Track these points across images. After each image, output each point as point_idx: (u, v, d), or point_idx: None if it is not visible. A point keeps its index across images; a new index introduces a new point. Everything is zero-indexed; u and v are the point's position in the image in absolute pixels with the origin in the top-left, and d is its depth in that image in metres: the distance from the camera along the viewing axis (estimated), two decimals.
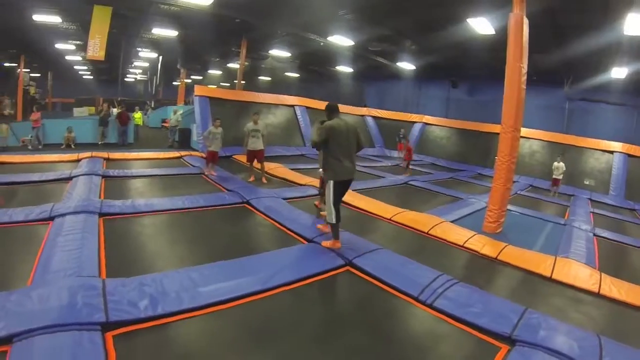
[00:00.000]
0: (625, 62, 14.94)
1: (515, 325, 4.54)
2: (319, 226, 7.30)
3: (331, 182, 6.22)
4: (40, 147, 15.30)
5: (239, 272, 5.06)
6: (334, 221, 6.26)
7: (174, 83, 40.28)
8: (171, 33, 18.96)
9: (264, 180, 11.46)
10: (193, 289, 4.48)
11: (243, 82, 23.07)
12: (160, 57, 29.21)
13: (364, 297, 5.26)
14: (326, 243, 6.44)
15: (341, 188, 6.38)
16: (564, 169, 16.80)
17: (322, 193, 7.61)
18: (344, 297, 5.37)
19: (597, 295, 6.22)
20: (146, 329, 3.80)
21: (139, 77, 42.60)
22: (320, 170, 7.43)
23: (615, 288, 6.33)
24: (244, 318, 4.28)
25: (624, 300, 6.07)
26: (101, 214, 6.87)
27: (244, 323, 4.20)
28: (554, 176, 16.99)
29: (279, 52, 23.79)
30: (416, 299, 5.12)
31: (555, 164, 16.93)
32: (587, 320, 5.44)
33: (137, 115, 21.73)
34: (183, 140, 18.00)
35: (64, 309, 3.65)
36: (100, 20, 15.79)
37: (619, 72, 15.91)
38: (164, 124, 25.50)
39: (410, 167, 17.98)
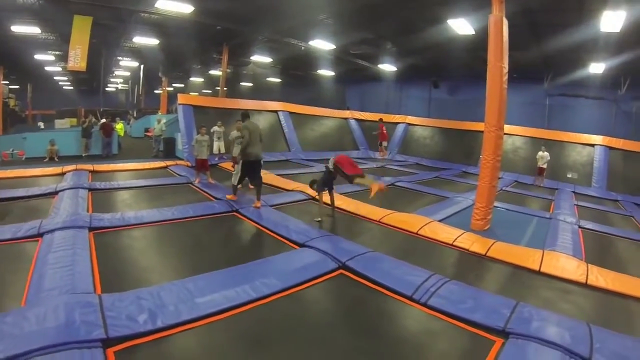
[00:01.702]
0: (602, 58, 15.31)
1: (508, 318, 4.67)
2: (228, 196, 9.65)
3: (241, 162, 9.23)
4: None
5: (234, 281, 5.08)
6: (236, 183, 9.62)
7: (156, 91, 40.02)
8: (152, 41, 18.94)
9: (251, 187, 11.41)
10: (190, 300, 4.50)
11: (225, 89, 23.08)
12: (142, 66, 29.11)
13: (359, 299, 5.33)
14: (229, 196, 9.58)
15: (250, 166, 9.19)
16: (549, 157, 17.12)
17: (317, 193, 9.05)
18: (340, 300, 5.40)
19: (585, 285, 6.41)
20: (147, 343, 3.81)
21: (120, 86, 42.42)
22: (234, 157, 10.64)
23: (601, 278, 6.55)
24: (242, 327, 4.32)
25: (610, 289, 6.29)
26: (91, 228, 6.82)
27: (243, 332, 4.23)
28: (538, 165, 17.28)
29: (260, 58, 23.84)
30: (410, 299, 5.21)
31: (540, 153, 17.25)
32: (576, 310, 5.60)
33: (119, 126, 21.58)
34: (168, 149, 17.88)
35: (62, 328, 3.62)
36: (81, 31, 15.63)
37: (596, 68, 16.30)
38: (147, 134, 25.30)
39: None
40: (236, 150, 11.33)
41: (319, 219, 8.65)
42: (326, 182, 9.03)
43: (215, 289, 4.83)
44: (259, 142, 9.21)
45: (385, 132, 21.09)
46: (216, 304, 4.53)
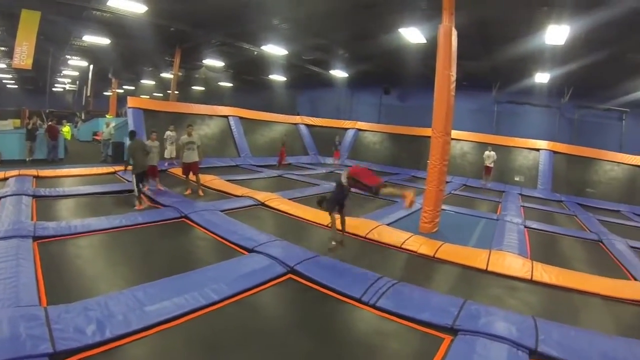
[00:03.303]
0: (548, 68, 16.03)
1: (456, 316, 4.82)
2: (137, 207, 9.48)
3: (134, 173, 9.62)
4: None
5: (183, 288, 5.00)
6: (135, 190, 9.58)
7: (105, 93, 38.71)
8: (103, 41, 18.28)
9: (201, 193, 11.35)
10: (139, 309, 4.40)
11: (177, 92, 22.70)
12: (91, 66, 28.11)
13: (309, 303, 5.37)
14: (139, 206, 9.45)
15: (141, 175, 9.67)
16: (495, 157, 17.67)
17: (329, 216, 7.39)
18: (289, 305, 5.41)
19: (530, 281, 6.74)
20: (96, 355, 3.69)
21: (68, 86, 40.75)
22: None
23: (546, 274, 6.91)
24: (193, 334, 4.26)
25: (554, 284, 6.67)
26: (35, 238, 6.51)
27: (194, 339, 4.18)
28: (485, 164, 17.77)
29: (213, 62, 23.56)
30: (359, 301, 5.28)
31: (487, 152, 17.85)
32: (522, 305, 5.87)
33: (66, 129, 20.81)
34: (117, 154, 17.32)
35: (6, 343, 3.46)
36: (28, 26, 14.83)
37: (542, 77, 17.09)
38: (95, 137, 24.53)
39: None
40: (187, 155, 11.24)
41: (333, 244, 7.17)
42: (337, 200, 7.37)
43: (164, 296, 4.73)
44: (145, 155, 10.08)
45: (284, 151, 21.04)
46: (166, 312, 4.45)
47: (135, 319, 4.21)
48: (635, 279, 7.49)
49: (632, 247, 9.99)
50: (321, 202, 7.58)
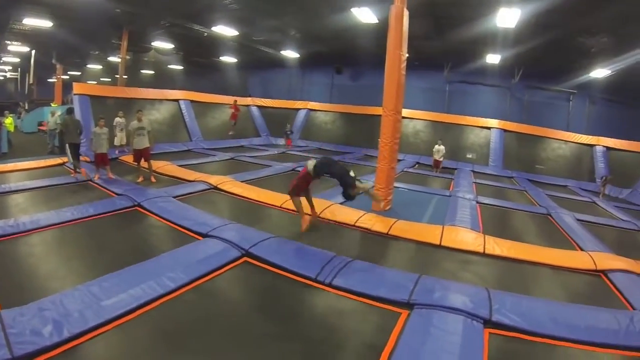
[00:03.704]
0: (498, 50, 16.40)
1: (411, 291, 4.91)
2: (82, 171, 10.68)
3: (67, 143, 10.68)
4: None
5: (139, 279, 4.85)
6: (70, 157, 10.71)
7: (50, 80, 36.91)
8: (45, 24, 17.40)
9: (153, 180, 11.03)
10: (96, 304, 4.23)
11: (125, 77, 21.94)
12: (33, 52, 26.77)
13: (265, 284, 5.33)
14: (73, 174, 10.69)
15: (73, 147, 10.67)
16: (444, 151, 18.03)
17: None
18: (247, 288, 5.35)
19: (483, 255, 6.94)
20: (57, 356, 3.54)
21: (8, 74, 38.85)
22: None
23: (498, 247, 7.13)
24: (153, 324, 4.16)
25: (506, 256, 6.89)
26: None
27: (154, 329, 4.08)
28: (434, 158, 18.12)
29: (162, 44, 22.86)
30: (315, 280, 5.28)
31: (436, 147, 18.12)
32: (476, 277, 6.03)
33: (8, 121, 19.78)
34: (64, 145, 16.63)
35: None
36: None
37: (493, 58, 17.54)
38: (41, 128, 23.47)
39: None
40: (138, 141, 10.91)
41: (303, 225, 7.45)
42: (301, 186, 7.56)
43: (121, 289, 4.57)
44: (76, 130, 10.99)
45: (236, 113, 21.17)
46: (123, 305, 4.31)
47: (92, 315, 4.05)
48: (582, 250, 7.81)
49: (578, 220, 10.50)
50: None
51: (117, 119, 13.95)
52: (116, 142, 13.80)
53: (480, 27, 13.64)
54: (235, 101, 21.12)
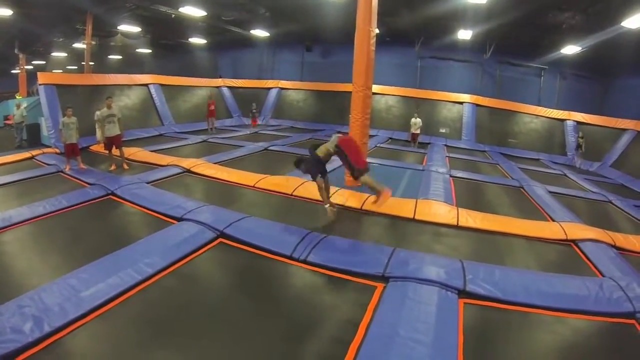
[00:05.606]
0: (470, 26, 16.39)
1: (386, 264, 4.99)
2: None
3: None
4: None
5: (117, 267, 4.81)
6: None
7: (13, 71, 35.86)
8: (4, 12, 16.81)
9: (125, 167, 10.86)
10: (75, 296, 4.18)
11: (92, 63, 21.41)
12: None
13: (242, 264, 5.37)
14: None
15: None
16: (421, 124, 18.17)
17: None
18: (224, 269, 5.38)
19: (457, 227, 7.07)
20: (40, 352, 3.49)
21: None
22: None
23: (471, 219, 7.25)
24: (135, 311, 4.15)
25: (480, 228, 7.03)
26: None
27: (134, 317, 4.07)
28: (411, 131, 18.23)
29: (128, 28, 22.22)
30: (290, 257, 5.34)
31: (413, 120, 18.24)
32: (449, 249, 6.15)
33: None
34: (32, 137, 16.06)
35: None
36: None
37: (464, 34, 17.43)
38: (6, 122, 22.83)
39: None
40: (108, 129, 10.76)
41: (329, 208, 7.04)
42: (317, 168, 7.00)
43: (99, 279, 4.53)
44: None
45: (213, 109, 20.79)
46: (103, 294, 4.28)
47: (72, 307, 4.01)
48: (553, 220, 7.95)
49: (550, 191, 10.72)
50: (298, 163, 7.39)
51: (98, 113, 13.11)
52: (98, 137, 13.12)
53: (451, 3, 13.63)
54: (211, 97, 20.78)
